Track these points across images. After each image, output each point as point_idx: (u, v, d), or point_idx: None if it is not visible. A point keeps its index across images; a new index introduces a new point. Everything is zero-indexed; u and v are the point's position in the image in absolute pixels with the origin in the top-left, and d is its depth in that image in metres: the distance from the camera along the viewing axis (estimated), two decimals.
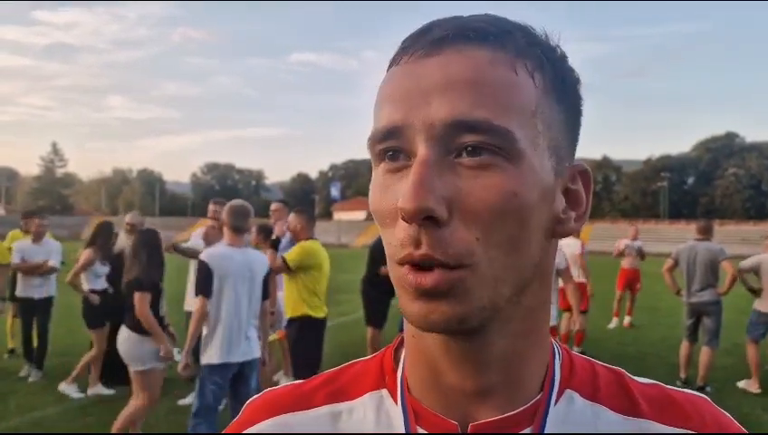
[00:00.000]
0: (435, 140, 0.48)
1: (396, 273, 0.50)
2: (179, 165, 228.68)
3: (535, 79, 0.51)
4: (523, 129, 0.48)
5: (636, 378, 0.60)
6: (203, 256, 4.21)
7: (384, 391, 0.59)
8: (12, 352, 8.02)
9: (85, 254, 6.22)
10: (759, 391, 6.70)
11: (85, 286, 6.25)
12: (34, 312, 7.00)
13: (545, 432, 0.53)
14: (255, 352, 4.30)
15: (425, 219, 0.46)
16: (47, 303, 7.06)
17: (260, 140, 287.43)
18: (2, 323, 8.33)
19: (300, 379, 0.65)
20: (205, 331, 4.14)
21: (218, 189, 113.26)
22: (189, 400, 5.43)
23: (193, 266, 6.13)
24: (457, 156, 0.48)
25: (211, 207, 6.55)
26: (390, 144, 0.50)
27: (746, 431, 0.57)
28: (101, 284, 6.39)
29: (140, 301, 4.31)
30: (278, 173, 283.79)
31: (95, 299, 6.23)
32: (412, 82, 0.50)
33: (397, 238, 0.48)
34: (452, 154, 0.48)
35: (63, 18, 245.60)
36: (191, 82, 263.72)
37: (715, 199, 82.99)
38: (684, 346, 7.12)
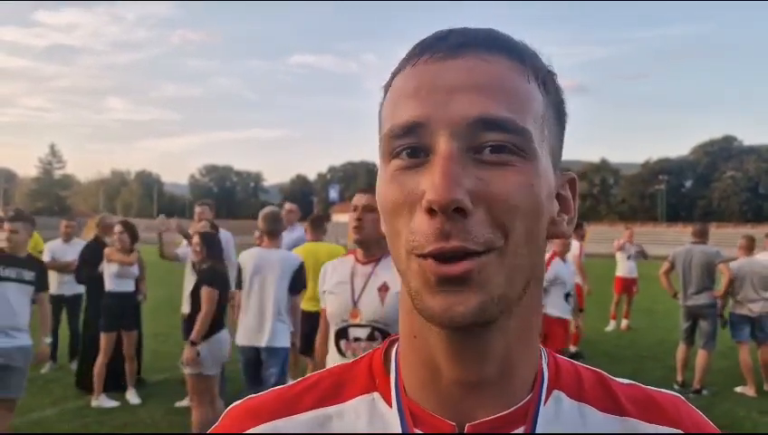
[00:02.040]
0: (458, 137, 0.50)
1: (414, 265, 0.50)
2: (178, 167, 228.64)
3: (541, 90, 0.54)
4: (535, 130, 0.52)
5: (616, 378, 0.62)
6: (239, 257, 4.87)
7: (376, 395, 0.59)
8: None
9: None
10: (755, 395, 6.72)
11: (108, 286, 6.13)
12: (64, 308, 7.45)
13: (537, 432, 0.55)
14: (277, 341, 4.57)
15: (453, 211, 0.47)
16: (77, 299, 7.46)
17: (259, 142, 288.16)
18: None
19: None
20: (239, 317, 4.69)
21: (216, 191, 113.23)
22: (186, 402, 5.46)
23: (188, 270, 6.21)
24: (478, 152, 0.50)
25: (198, 208, 6.58)
26: (410, 141, 0.51)
27: (720, 431, 0.60)
28: (129, 286, 6.25)
29: (210, 297, 4.50)
30: (277, 175, 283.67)
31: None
32: (434, 81, 0.51)
33: (420, 232, 0.49)
34: (472, 151, 0.50)
35: (63, 19, 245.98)
36: (190, 84, 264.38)
37: (712, 202, 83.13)
38: (680, 349, 7.14)
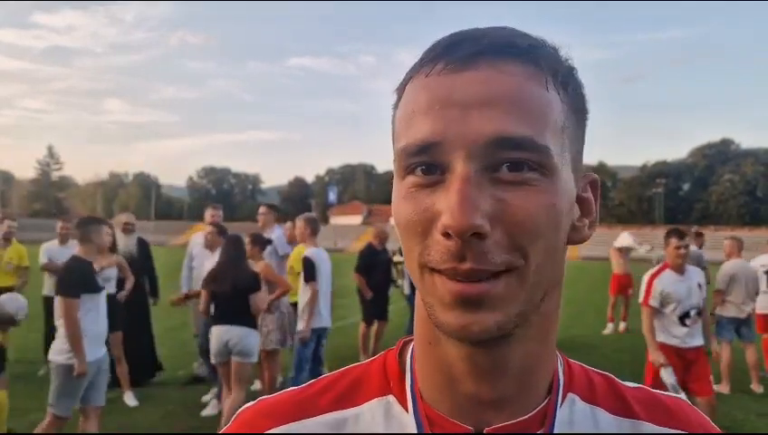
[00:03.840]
0: (475, 156, 0.48)
1: (428, 280, 0.50)
2: (176, 169, 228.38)
3: (561, 95, 0.52)
4: (555, 144, 0.50)
5: (624, 382, 0.64)
6: (308, 254, 5.68)
7: (391, 398, 0.59)
8: None
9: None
10: (729, 392, 6.79)
11: None
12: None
13: (554, 433, 0.56)
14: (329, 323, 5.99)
15: (470, 236, 0.47)
16: None
17: (257, 144, 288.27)
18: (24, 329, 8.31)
19: None
20: (302, 304, 5.62)
21: (214, 193, 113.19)
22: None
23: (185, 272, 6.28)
24: (495, 171, 0.49)
25: (210, 211, 6.59)
26: (425, 158, 0.50)
27: (722, 431, 0.62)
28: (110, 287, 6.08)
29: (261, 298, 5.14)
30: (275, 177, 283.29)
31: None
32: (448, 96, 0.50)
33: (434, 250, 0.49)
34: (490, 169, 0.49)
35: (61, 21, 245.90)
36: (189, 86, 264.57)
37: (710, 205, 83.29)
38: None
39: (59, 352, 4.19)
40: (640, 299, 4.91)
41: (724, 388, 6.84)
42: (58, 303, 4.26)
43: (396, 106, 0.57)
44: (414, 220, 0.50)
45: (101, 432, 4.46)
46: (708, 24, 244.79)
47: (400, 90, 0.56)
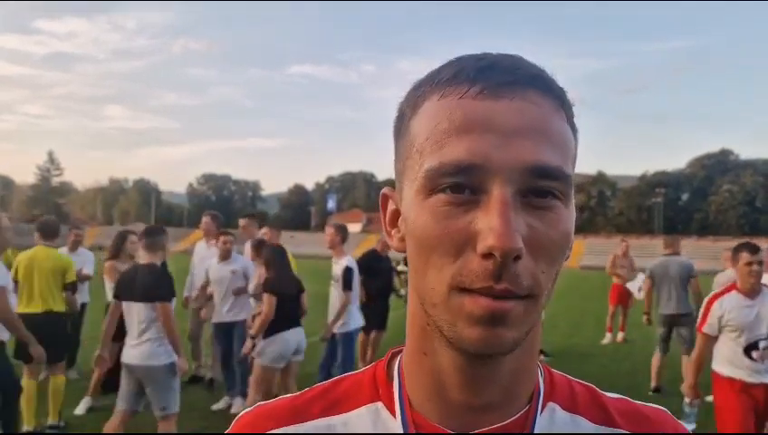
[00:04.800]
0: (512, 181, 0.50)
1: (456, 302, 0.51)
2: (176, 175, 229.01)
3: (573, 128, 0.56)
4: (572, 175, 0.54)
5: (605, 393, 0.66)
6: (350, 264, 6.26)
7: (379, 404, 0.62)
8: None
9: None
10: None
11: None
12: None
13: None
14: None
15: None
16: (81, 308, 7.40)
17: (257, 151, 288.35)
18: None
19: None
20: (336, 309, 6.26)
21: (214, 200, 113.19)
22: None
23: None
24: (524, 196, 0.51)
25: (204, 219, 6.68)
26: (460, 179, 0.51)
27: None
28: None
29: (269, 302, 5.25)
30: (275, 184, 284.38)
31: None
32: (488, 121, 0.51)
33: (470, 271, 0.50)
34: (520, 195, 0.51)
35: (63, 27, 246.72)
36: (190, 93, 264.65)
37: (709, 215, 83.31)
38: (656, 357, 7.33)
39: (155, 355, 4.37)
40: (697, 323, 4.15)
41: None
42: (149, 309, 4.39)
43: (408, 117, 0.58)
44: (447, 239, 0.51)
45: (103, 433, 4.47)
46: (709, 35, 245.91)
47: (414, 102, 0.57)
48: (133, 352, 4.39)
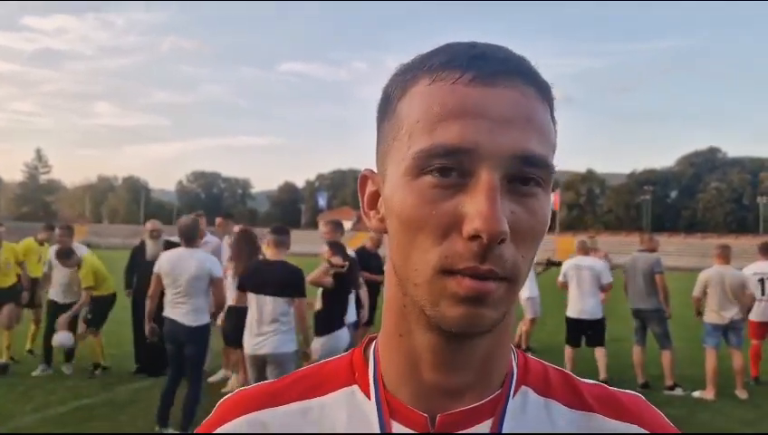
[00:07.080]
0: (499, 167, 0.52)
1: (439, 283, 0.52)
2: (166, 173, 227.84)
3: (552, 118, 0.58)
4: (554, 164, 0.56)
5: (581, 379, 0.67)
6: (353, 256, 6.24)
7: (355, 387, 0.63)
8: (30, 352, 8.23)
9: None
10: (715, 398, 6.84)
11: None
12: (62, 314, 7.41)
13: (504, 423, 0.59)
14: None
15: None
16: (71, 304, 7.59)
17: (248, 149, 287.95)
18: (24, 327, 8.43)
19: None
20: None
21: (204, 198, 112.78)
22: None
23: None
24: (509, 182, 0.53)
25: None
26: (449, 162, 0.52)
27: (679, 431, 0.64)
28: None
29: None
30: (265, 182, 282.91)
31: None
32: (481, 107, 0.53)
33: (453, 251, 0.51)
34: (505, 180, 0.52)
35: (52, 24, 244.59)
36: (180, 90, 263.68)
37: (697, 213, 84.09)
38: (635, 351, 7.47)
39: (285, 342, 4.77)
40: None
41: (708, 394, 6.90)
42: (283, 303, 4.76)
43: (396, 99, 0.58)
44: (434, 221, 0.52)
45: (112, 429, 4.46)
46: (698, 34, 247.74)
47: (404, 85, 0.57)
48: (264, 342, 4.72)
